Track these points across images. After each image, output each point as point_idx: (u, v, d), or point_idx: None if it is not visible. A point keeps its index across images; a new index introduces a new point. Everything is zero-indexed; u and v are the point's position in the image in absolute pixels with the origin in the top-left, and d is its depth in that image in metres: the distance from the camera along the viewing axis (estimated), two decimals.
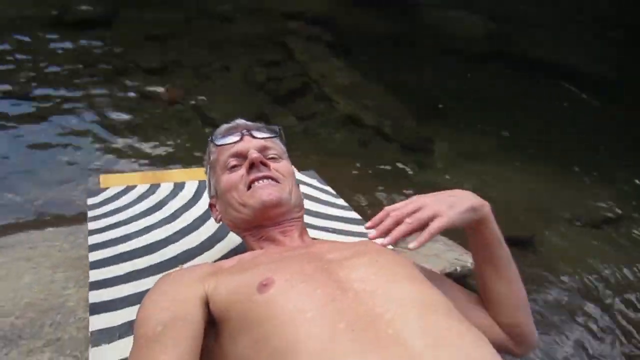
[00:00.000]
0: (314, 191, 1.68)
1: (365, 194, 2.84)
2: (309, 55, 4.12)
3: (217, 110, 3.34)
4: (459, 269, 2.04)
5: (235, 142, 1.02)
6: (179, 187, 1.58)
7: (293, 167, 1.08)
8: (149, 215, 1.41)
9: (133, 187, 1.58)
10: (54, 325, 1.08)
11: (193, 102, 3.40)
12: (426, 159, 3.41)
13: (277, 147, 1.06)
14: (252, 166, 0.97)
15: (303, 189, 1.69)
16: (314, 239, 1.04)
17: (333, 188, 1.75)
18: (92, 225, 1.35)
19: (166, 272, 0.91)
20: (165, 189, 1.57)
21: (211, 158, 1.06)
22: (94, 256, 1.21)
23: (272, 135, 1.07)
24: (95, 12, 3.72)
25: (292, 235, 0.97)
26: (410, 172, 3.26)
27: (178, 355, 0.69)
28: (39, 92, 3.16)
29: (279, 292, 0.73)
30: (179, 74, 3.62)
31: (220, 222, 1.07)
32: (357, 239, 1.39)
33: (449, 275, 1.98)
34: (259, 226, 0.97)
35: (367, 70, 4.11)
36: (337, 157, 3.24)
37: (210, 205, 1.09)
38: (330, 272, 0.77)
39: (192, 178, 1.65)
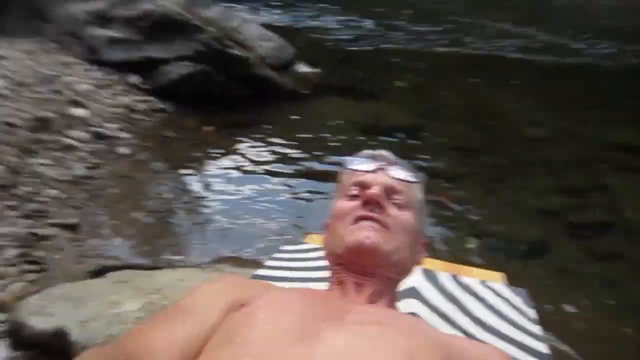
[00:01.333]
0: (509, 309, 1.35)
1: None
2: (628, 190, 3.40)
3: (492, 226, 3.14)
4: None
5: (365, 172, 0.95)
6: None
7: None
8: (315, 271, 1.44)
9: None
10: None
11: (470, 215, 3.30)
12: None
13: (410, 194, 0.95)
14: (366, 203, 0.88)
15: (496, 302, 1.38)
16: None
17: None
18: (267, 262, 1.48)
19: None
20: None
21: (340, 178, 1.02)
22: None
23: (410, 180, 0.96)
24: (403, 123, 4.23)
25: (363, 290, 0.84)
26: None
27: (184, 342, 0.69)
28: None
29: (245, 315, 0.68)
30: (467, 184, 3.62)
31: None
32: None
33: None
34: (343, 265, 0.88)
35: None
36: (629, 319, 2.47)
37: (325, 225, 1.03)
38: (322, 329, 0.67)
39: None
